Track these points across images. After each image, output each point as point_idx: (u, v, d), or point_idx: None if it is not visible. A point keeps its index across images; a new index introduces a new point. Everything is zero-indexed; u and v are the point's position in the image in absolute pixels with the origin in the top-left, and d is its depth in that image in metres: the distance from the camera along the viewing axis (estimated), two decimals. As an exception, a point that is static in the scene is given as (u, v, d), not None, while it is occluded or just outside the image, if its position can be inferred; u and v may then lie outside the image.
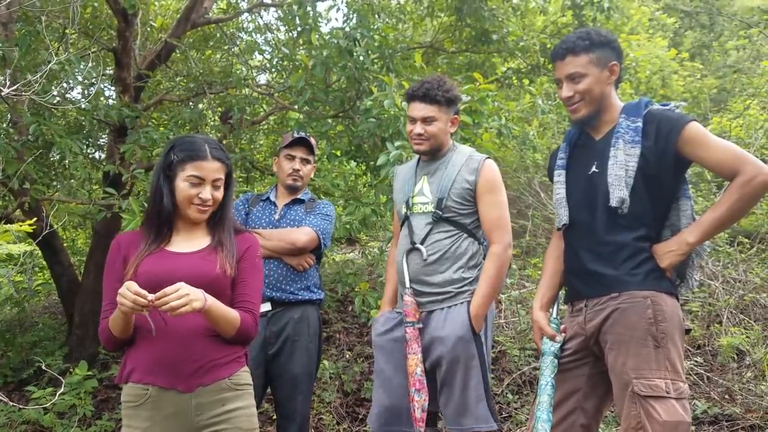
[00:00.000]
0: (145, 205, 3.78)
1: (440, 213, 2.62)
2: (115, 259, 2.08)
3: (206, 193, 2.04)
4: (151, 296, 1.78)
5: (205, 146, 2.07)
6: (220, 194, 2.10)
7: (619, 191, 2.14)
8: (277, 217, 3.06)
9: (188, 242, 2.11)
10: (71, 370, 4.53)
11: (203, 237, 2.15)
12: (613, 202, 2.15)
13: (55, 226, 5.15)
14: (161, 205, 2.06)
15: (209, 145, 2.08)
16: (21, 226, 2.20)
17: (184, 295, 1.81)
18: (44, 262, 6.43)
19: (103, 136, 6.45)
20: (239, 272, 2.11)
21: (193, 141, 2.10)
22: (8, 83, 3.10)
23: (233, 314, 2.01)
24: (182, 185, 2.04)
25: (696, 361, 3.99)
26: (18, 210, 5.02)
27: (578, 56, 2.22)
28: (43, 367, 3.39)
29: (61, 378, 3.45)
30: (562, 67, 2.26)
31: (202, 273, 2.02)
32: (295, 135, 3.11)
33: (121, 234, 2.16)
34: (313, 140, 3.16)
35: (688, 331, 2.18)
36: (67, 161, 4.80)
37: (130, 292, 1.77)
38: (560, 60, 2.27)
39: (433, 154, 2.73)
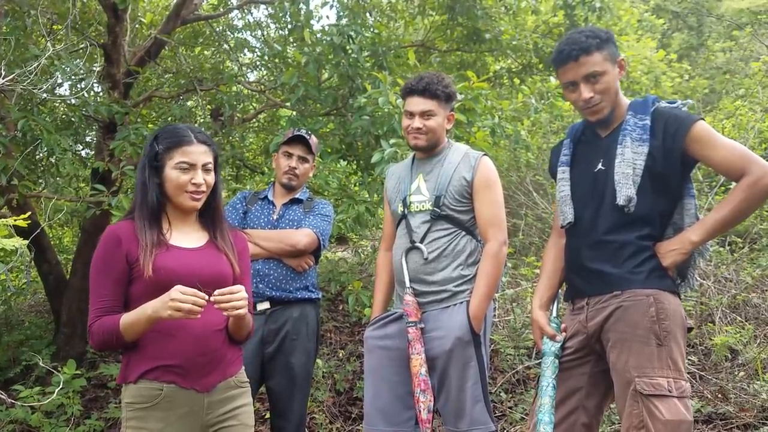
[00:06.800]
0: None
1: (438, 211, 2.60)
2: (114, 254, 1.93)
3: (198, 177, 1.99)
4: (206, 297, 1.75)
5: (188, 131, 2.03)
6: (211, 178, 2.05)
7: (626, 189, 2.11)
8: (275, 216, 3.01)
9: (186, 236, 2.05)
10: (59, 368, 4.46)
11: (198, 231, 2.10)
12: (621, 201, 2.12)
13: (43, 224, 5.07)
14: (147, 198, 1.98)
15: (192, 131, 2.04)
16: (15, 220, 2.14)
17: (244, 297, 1.82)
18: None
19: (90, 133, 6.38)
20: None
21: (175, 128, 2.06)
22: (3, 74, 3.04)
23: (249, 317, 2.02)
24: (173, 174, 1.98)
25: (689, 360, 3.99)
26: (5, 207, 4.93)
27: (592, 55, 2.15)
28: (41, 363, 3.34)
29: (57, 374, 3.40)
30: (577, 68, 2.17)
31: (219, 271, 2.01)
32: (295, 132, 3.06)
33: (114, 225, 2.00)
34: (314, 139, 3.10)
35: (689, 330, 2.17)
36: (54, 158, 4.73)
37: (187, 295, 1.72)
38: (573, 61, 2.16)
39: (429, 151, 2.70)
